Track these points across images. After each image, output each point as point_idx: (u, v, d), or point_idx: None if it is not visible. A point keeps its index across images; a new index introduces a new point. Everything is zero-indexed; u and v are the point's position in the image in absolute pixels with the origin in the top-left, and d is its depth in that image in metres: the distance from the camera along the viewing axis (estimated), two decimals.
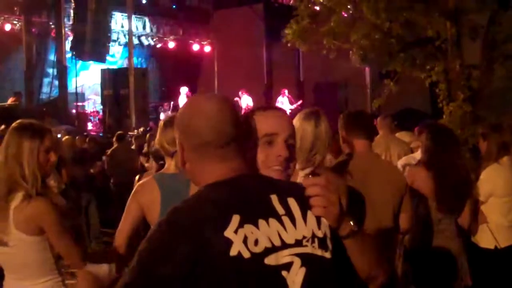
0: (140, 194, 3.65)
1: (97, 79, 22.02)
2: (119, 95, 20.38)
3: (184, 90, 21.85)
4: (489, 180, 5.65)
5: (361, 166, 4.09)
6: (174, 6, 25.39)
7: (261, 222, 1.83)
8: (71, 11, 20.99)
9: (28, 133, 3.31)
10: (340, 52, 10.55)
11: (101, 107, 21.65)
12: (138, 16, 23.64)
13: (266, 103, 25.52)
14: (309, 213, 1.90)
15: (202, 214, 1.78)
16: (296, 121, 3.51)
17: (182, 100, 21.94)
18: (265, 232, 1.82)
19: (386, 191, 4.15)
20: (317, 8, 10.41)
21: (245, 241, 1.77)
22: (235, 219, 1.79)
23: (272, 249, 1.80)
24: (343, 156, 4.32)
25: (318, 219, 1.90)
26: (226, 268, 1.73)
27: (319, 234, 1.89)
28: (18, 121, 3.43)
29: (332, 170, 3.87)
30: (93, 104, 22.60)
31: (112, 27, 22.22)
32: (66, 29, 21.01)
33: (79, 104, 21.53)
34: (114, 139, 12.22)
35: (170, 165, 3.77)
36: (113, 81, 20.54)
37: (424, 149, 5.10)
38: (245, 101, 22.44)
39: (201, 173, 1.97)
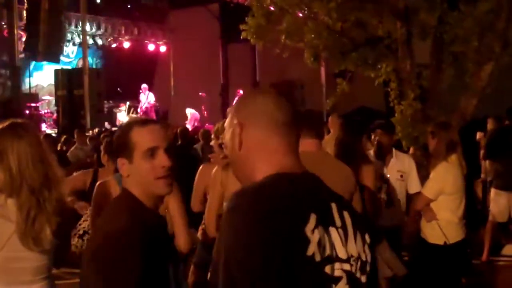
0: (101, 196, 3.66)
1: (51, 80, 21.73)
2: (74, 96, 20.14)
3: (144, 86, 21.94)
4: (438, 178, 5.77)
5: (309, 164, 4.11)
6: (129, 6, 25.18)
7: (330, 229, 1.79)
8: (24, 11, 20.67)
9: None
10: (296, 51, 10.62)
11: (55, 108, 21.37)
12: (92, 16, 23.38)
13: (222, 103, 25.58)
14: (358, 233, 1.86)
15: (282, 205, 1.70)
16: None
17: (143, 96, 21.86)
18: (329, 239, 1.77)
19: (336, 189, 4.19)
20: (272, 8, 10.44)
21: (319, 243, 1.72)
22: (313, 218, 1.73)
23: (331, 259, 1.76)
24: None
25: (364, 241, 1.88)
26: (300, 267, 1.67)
27: (363, 256, 1.86)
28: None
29: None
30: (47, 105, 22.29)
31: (66, 27, 21.96)
32: (19, 29, 20.68)
33: (33, 105, 21.20)
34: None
35: None
36: (67, 81, 20.27)
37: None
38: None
39: (261, 161, 1.87)
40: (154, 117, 21.96)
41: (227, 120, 1.95)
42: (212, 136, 5.57)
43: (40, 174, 3.23)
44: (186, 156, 9.40)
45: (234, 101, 2.09)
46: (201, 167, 5.49)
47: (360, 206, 4.41)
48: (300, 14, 10.38)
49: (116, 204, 2.49)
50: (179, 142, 10.41)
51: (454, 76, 9.25)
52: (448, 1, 9.08)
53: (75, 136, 12.38)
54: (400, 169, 6.46)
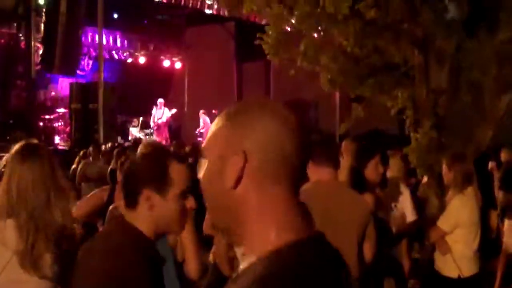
0: None
1: (66, 92, 21.83)
2: (88, 110, 20.20)
3: (160, 100, 21.93)
4: (454, 211, 5.75)
5: (324, 194, 4.08)
6: (145, 21, 25.31)
7: None
8: (42, 24, 20.79)
9: None
10: (311, 72, 10.59)
11: (69, 121, 21.44)
12: (109, 30, 23.50)
13: None
14: None
15: None
16: None
17: (159, 111, 21.88)
18: None
19: (350, 220, 4.15)
20: (288, 28, 10.43)
21: None
22: None
23: None
24: (308, 184, 4.31)
25: None
26: None
27: None
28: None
29: None
30: (61, 117, 22.36)
31: (83, 41, 22.08)
32: (36, 41, 20.79)
33: (47, 117, 21.30)
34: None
35: None
36: (82, 95, 20.34)
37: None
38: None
39: (267, 214, 1.40)
40: (167, 133, 22.02)
41: (213, 134, 1.47)
42: None
43: (40, 199, 3.20)
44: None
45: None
46: None
47: (374, 237, 4.36)
48: (316, 37, 10.33)
49: (119, 239, 2.36)
50: (191, 160, 10.37)
51: (470, 105, 9.17)
52: (467, 29, 9.03)
53: (91, 150, 12.33)
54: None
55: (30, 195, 3.18)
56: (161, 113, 21.95)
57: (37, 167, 3.23)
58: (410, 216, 6.05)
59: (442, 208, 6.20)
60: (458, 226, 5.72)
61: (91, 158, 11.65)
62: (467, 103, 9.06)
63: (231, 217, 1.42)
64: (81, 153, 12.69)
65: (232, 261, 3.73)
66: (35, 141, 3.53)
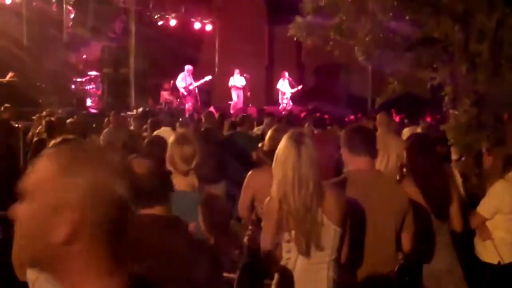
0: None
1: (98, 56, 21.86)
2: (119, 73, 20.25)
3: (188, 67, 21.75)
4: (495, 197, 5.67)
5: (361, 183, 4.05)
6: None
7: None
8: None
9: None
10: (345, 45, 10.45)
11: (101, 84, 21.51)
12: None
13: (266, 85, 25.50)
14: None
15: None
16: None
17: (188, 78, 21.77)
18: None
19: (388, 209, 4.11)
20: (322, 3, 10.26)
21: None
22: None
23: None
24: (345, 172, 4.27)
25: None
26: None
27: None
28: None
29: (334, 186, 3.82)
30: (93, 80, 22.41)
31: (114, 4, 22.00)
32: (68, 4, 20.79)
33: (79, 80, 21.38)
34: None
35: (181, 183, 3.73)
36: (113, 59, 20.40)
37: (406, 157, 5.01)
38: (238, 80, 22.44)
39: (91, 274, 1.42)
40: (198, 97, 22.00)
41: (42, 178, 1.41)
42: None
43: None
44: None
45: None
46: (250, 172, 5.39)
47: (413, 229, 4.29)
48: (351, 11, 10.15)
49: None
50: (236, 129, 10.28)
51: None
52: (508, 4, 8.79)
53: (111, 117, 12.11)
54: None
55: None
56: (190, 81, 21.81)
57: None
58: None
59: (480, 188, 6.13)
60: (498, 212, 5.64)
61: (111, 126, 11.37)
62: (508, 80, 8.84)
63: (49, 264, 1.39)
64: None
65: (276, 247, 3.69)
66: (71, 136, 3.50)
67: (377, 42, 9.68)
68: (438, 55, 9.37)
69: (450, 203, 4.77)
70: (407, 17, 9.09)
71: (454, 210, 4.79)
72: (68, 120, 10.16)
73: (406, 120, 13.94)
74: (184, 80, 21.45)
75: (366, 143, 4.17)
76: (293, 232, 3.52)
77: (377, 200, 4.04)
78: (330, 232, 3.54)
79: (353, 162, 4.17)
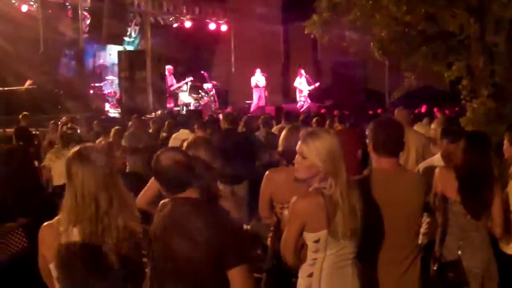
0: None
1: (114, 59, 21.98)
2: (136, 77, 20.32)
3: (168, 67, 22.00)
4: None
5: (384, 182, 4.05)
6: None
7: None
8: None
9: None
10: (360, 41, 10.46)
11: (118, 88, 21.61)
12: None
13: (283, 83, 25.49)
14: None
15: None
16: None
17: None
18: None
19: (412, 205, 4.12)
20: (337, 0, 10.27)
21: None
22: None
23: None
24: (369, 170, 4.27)
25: None
26: None
27: None
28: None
29: (355, 184, 3.83)
30: (111, 84, 22.55)
31: (129, 8, 22.09)
32: (83, 9, 20.89)
33: (97, 85, 21.51)
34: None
35: None
36: (130, 62, 20.47)
37: (457, 153, 4.92)
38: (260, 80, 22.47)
39: None
40: (216, 98, 22.08)
41: None
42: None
43: (102, 203, 3.22)
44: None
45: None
46: (267, 172, 5.39)
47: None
48: (366, 7, 10.13)
49: None
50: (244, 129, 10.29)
51: None
52: None
53: (132, 121, 12.14)
54: None
55: (94, 199, 3.20)
56: (171, 82, 21.99)
57: (98, 170, 3.24)
58: None
59: (502, 179, 6.06)
60: None
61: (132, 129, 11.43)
62: None
63: None
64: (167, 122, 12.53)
65: (300, 250, 3.71)
66: (90, 144, 3.54)
67: (392, 37, 9.66)
68: (454, 48, 9.32)
69: (491, 203, 4.69)
70: (422, 11, 9.03)
71: (496, 211, 4.70)
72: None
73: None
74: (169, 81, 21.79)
75: (392, 142, 4.14)
76: (322, 232, 3.55)
77: (400, 198, 4.05)
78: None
79: (378, 161, 4.17)
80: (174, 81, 22.07)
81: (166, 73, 21.76)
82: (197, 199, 3.40)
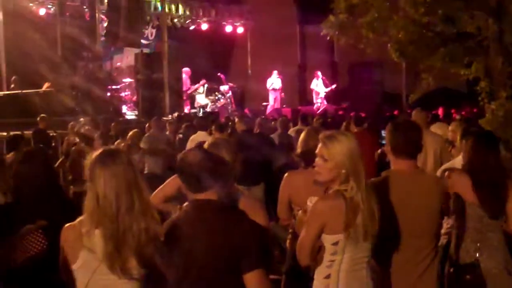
0: None
1: (131, 62, 22.03)
2: (153, 79, 20.35)
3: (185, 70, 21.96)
4: None
5: (401, 184, 4.05)
6: None
7: None
8: None
9: None
10: (377, 42, 10.42)
11: (135, 90, 21.65)
12: None
13: (299, 85, 25.47)
14: None
15: None
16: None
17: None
18: None
19: (430, 206, 4.11)
20: (354, 1, 10.24)
21: None
22: None
23: None
24: (387, 171, 4.25)
25: None
26: None
27: None
28: None
29: (372, 186, 3.83)
30: (128, 87, 22.61)
31: (146, 11, 22.19)
32: (100, 12, 20.99)
33: (114, 87, 21.57)
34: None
35: None
36: (147, 65, 20.50)
37: (466, 154, 4.89)
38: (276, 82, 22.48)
39: None
40: (232, 100, 22.10)
41: None
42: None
43: (125, 204, 3.23)
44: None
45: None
46: (286, 174, 5.39)
47: None
48: (383, 8, 10.11)
49: None
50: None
51: None
52: None
53: (152, 122, 12.16)
54: None
55: (115, 201, 3.22)
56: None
57: (120, 172, 3.26)
58: None
59: None
60: None
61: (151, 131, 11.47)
62: None
63: None
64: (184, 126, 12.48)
65: (315, 252, 3.71)
66: (113, 147, 3.56)
67: (410, 38, 9.63)
68: (472, 49, 9.27)
69: (506, 201, 4.65)
70: (439, 12, 8.99)
71: (511, 209, 4.66)
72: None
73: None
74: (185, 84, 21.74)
75: (410, 144, 4.13)
76: (341, 234, 3.56)
77: (417, 200, 4.04)
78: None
79: (395, 162, 4.17)
80: (188, 82, 22.05)
81: (183, 75, 21.77)
82: (217, 202, 3.41)
